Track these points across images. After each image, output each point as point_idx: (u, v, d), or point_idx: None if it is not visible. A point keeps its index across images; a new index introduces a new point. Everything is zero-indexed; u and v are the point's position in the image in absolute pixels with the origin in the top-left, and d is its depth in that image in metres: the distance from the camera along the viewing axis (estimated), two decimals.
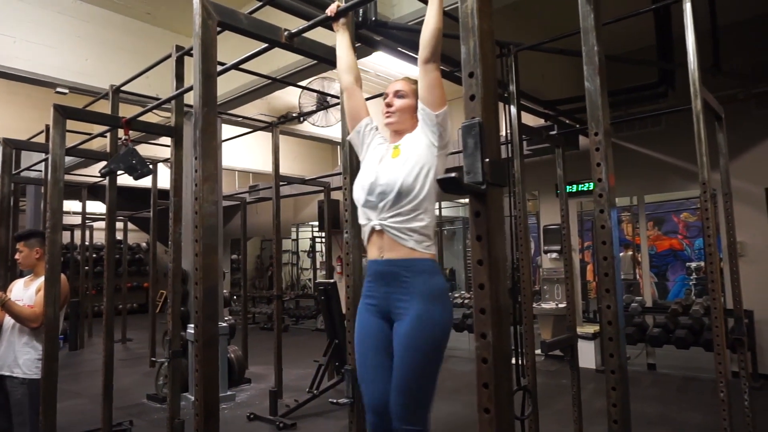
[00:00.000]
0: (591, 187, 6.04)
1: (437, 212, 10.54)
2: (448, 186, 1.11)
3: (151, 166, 4.07)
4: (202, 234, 1.83)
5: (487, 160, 1.14)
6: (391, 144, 1.95)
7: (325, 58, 2.42)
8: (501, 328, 1.14)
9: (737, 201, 4.43)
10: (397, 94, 1.96)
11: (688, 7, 2.83)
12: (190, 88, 3.24)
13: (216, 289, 1.88)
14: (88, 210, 8.95)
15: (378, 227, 1.82)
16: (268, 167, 9.44)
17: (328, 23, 2.14)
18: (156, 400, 5.05)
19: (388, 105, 1.97)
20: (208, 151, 1.86)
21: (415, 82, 1.97)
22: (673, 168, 5.98)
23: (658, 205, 9.90)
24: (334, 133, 7.43)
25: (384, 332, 1.86)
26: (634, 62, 4.85)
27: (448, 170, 1.84)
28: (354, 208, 2.37)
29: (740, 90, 5.19)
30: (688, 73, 2.84)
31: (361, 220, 1.91)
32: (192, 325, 4.85)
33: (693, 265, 9.79)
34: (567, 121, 5.73)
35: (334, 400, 2.18)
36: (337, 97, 5.47)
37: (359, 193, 1.90)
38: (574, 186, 6.58)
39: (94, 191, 9.45)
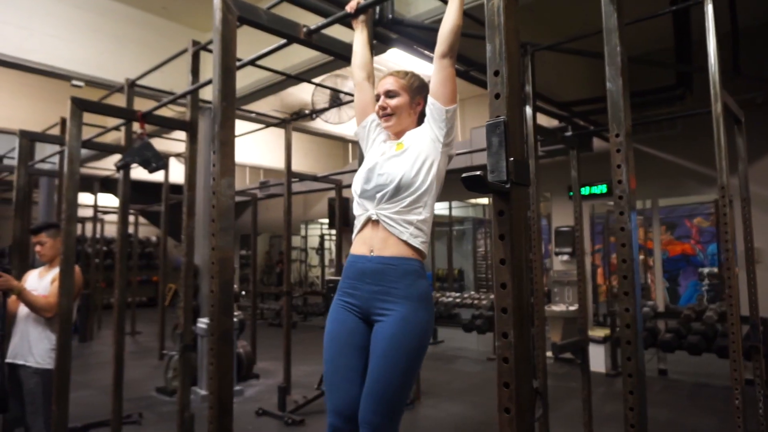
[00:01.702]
0: (603, 190, 6.00)
1: (446, 212, 10.51)
2: (472, 184, 1.10)
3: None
4: (219, 228, 1.83)
5: (512, 159, 1.13)
6: (394, 141, 1.94)
7: (344, 55, 2.42)
8: (522, 328, 1.13)
9: (753, 206, 4.38)
10: (389, 95, 1.92)
11: (709, 9, 2.79)
12: (207, 83, 3.25)
13: (231, 284, 1.88)
14: (99, 203, 9.02)
15: (374, 217, 1.79)
16: (278, 163, 9.49)
17: (347, 20, 2.13)
18: (165, 393, 5.08)
19: (383, 108, 1.92)
20: (227, 145, 1.86)
21: (405, 74, 1.96)
22: (689, 172, 5.92)
23: (670, 209, 9.81)
24: (347, 130, 7.44)
25: (360, 332, 1.77)
26: (653, 64, 4.80)
27: (466, 168, 1.83)
28: None
29: (758, 94, 5.12)
30: (705, 76, 2.81)
31: (357, 211, 1.87)
32: (202, 319, 4.87)
33: (705, 270, 9.69)
34: (581, 123, 5.69)
35: None
36: (350, 95, 5.49)
37: (357, 184, 1.87)
38: (586, 188, 6.53)
39: (105, 184, 9.52)
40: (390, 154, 1.85)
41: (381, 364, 1.66)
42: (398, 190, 1.75)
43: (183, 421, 3.35)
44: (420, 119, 1.92)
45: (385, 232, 1.76)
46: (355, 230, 1.87)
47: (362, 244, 1.81)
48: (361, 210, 1.85)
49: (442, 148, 1.80)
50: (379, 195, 1.78)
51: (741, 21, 4.42)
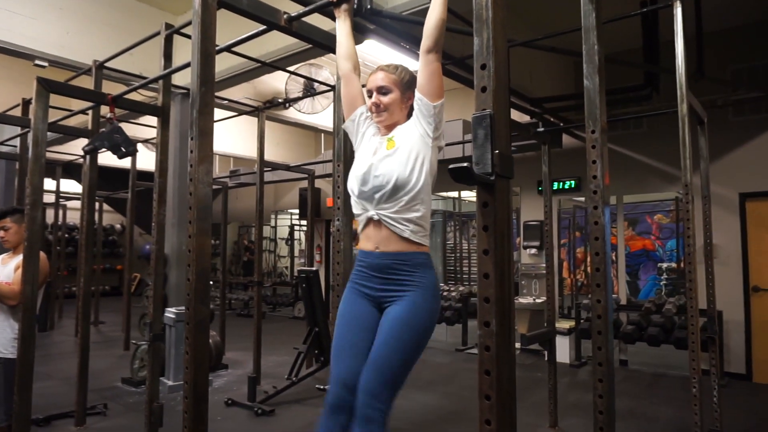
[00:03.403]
0: (571, 186, 6.13)
1: None
2: (459, 175, 1.11)
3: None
4: (196, 215, 1.80)
5: (497, 152, 1.15)
6: (384, 136, 1.94)
7: (323, 44, 2.41)
8: (504, 317, 1.16)
9: (711, 204, 4.57)
10: (381, 91, 1.94)
11: (678, 12, 2.89)
12: (180, 68, 3.18)
13: (208, 272, 1.86)
14: (61, 189, 8.72)
15: (375, 217, 1.83)
16: (248, 152, 9.34)
17: (329, 8, 2.12)
18: (131, 383, 4.98)
19: (376, 105, 1.94)
20: (205, 131, 1.83)
21: (395, 69, 1.97)
22: (652, 170, 6.12)
23: (633, 205, 10.12)
24: (320, 120, 7.38)
25: (371, 315, 1.86)
26: (623, 64, 4.92)
27: (444, 161, 1.85)
28: (347, 196, 2.37)
29: (719, 96, 5.32)
30: (671, 77, 2.90)
31: (356, 210, 1.91)
32: (171, 309, 4.79)
33: (664, 265, 10.05)
34: (552, 119, 5.81)
35: (322, 387, 2.16)
36: (325, 84, 5.45)
37: (354, 184, 1.89)
38: (554, 184, 6.67)
39: (67, 170, 9.20)
40: (383, 153, 1.86)
41: (386, 338, 1.75)
42: (395, 191, 1.79)
43: (152, 411, 3.30)
44: (410, 111, 1.93)
45: (388, 231, 1.82)
46: (359, 228, 1.93)
47: (367, 241, 1.88)
48: (360, 209, 1.89)
49: (432, 142, 1.83)
50: (377, 196, 1.81)
51: (704, 26, 4.58)
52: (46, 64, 4.80)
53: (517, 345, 5.32)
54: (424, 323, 1.77)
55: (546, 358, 4.18)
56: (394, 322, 1.76)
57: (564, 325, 6.21)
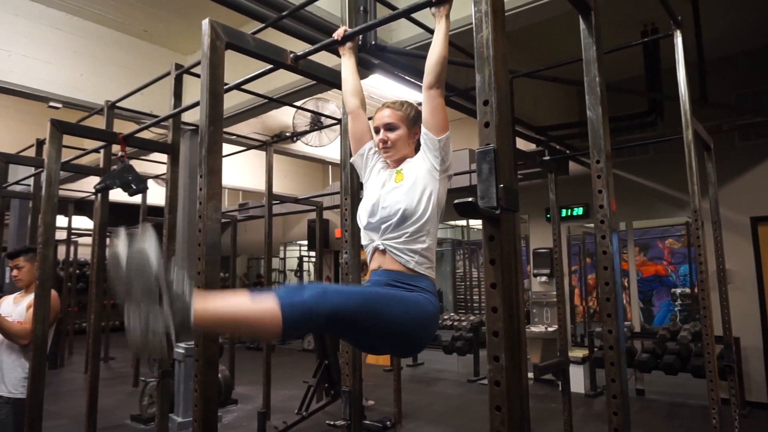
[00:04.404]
0: (580, 212, 6.13)
1: None
2: (464, 210, 1.12)
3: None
4: (205, 252, 1.82)
5: (502, 185, 1.16)
6: (393, 169, 1.97)
7: (329, 80, 2.46)
8: (514, 351, 1.15)
9: (723, 229, 4.53)
10: (388, 128, 1.97)
11: (679, 42, 2.93)
12: (190, 107, 3.25)
13: None
14: (72, 225, 8.81)
15: (381, 247, 1.82)
16: (256, 185, 9.44)
17: (334, 47, 2.17)
18: (140, 421, 4.93)
19: (384, 142, 1.97)
20: (214, 170, 1.86)
21: (401, 105, 2.00)
22: (661, 195, 6.10)
23: (643, 231, 10.04)
24: (327, 152, 7.46)
25: None
26: (626, 92, 4.97)
27: (450, 190, 1.87)
28: (354, 229, 2.38)
29: (725, 121, 5.34)
30: (675, 103, 2.93)
31: (364, 241, 1.92)
32: (180, 344, 4.77)
33: (678, 291, 9.89)
34: (557, 147, 5.83)
35: (332, 422, 2.13)
36: (332, 118, 5.53)
37: (362, 216, 1.91)
38: (563, 211, 6.66)
39: (79, 206, 9.33)
40: (391, 186, 1.88)
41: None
42: (402, 221, 1.78)
43: None
44: (418, 146, 1.96)
45: (392, 260, 1.80)
46: (368, 258, 1.93)
47: (374, 263, 1.87)
48: (367, 240, 1.90)
49: (440, 175, 1.83)
50: (383, 226, 1.82)
51: (707, 52, 4.62)
52: (60, 105, 4.92)
53: (530, 375, 5.23)
54: (405, 301, 1.64)
55: (560, 389, 4.10)
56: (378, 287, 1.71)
57: (578, 353, 6.11)
